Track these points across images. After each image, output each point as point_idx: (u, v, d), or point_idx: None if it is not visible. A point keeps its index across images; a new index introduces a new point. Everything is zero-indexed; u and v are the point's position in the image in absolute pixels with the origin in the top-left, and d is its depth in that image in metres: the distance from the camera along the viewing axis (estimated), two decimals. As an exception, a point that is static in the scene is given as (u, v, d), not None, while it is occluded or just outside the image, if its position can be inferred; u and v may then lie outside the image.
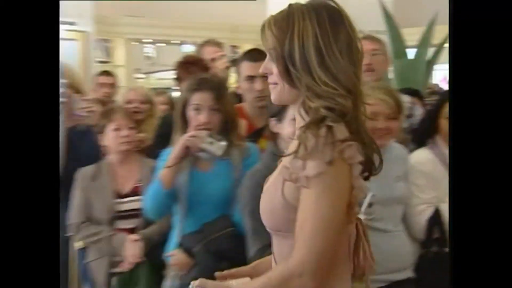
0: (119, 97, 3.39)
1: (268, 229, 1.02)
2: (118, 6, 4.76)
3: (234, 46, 5.22)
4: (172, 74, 2.87)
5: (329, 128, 0.88)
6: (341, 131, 0.89)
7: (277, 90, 0.98)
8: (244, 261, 1.44)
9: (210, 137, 1.64)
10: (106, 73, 3.48)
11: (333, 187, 0.90)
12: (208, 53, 2.57)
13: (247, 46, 5.88)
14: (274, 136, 1.49)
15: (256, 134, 1.83)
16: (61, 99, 2.43)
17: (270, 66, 0.99)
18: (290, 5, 0.98)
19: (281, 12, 0.98)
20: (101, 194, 2.05)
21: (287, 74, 0.95)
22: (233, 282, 1.08)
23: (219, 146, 1.64)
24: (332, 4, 0.98)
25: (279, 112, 1.45)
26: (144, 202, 1.81)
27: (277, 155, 1.22)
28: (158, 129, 2.27)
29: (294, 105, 1.00)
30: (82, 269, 2.18)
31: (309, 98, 0.93)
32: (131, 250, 1.96)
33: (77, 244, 2.17)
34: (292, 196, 0.93)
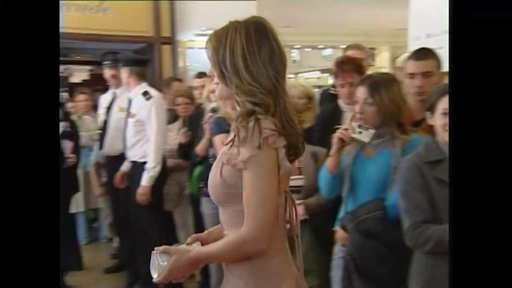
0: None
1: (213, 201, 1.20)
2: (276, 17, 5.60)
3: (371, 48, 5.68)
4: (315, 74, 3.18)
5: (257, 120, 1.07)
6: (266, 123, 1.08)
7: (218, 89, 1.19)
8: (389, 241, 1.69)
9: (359, 127, 1.83)
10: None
11: (265, 167, 1.08)
12: (342, 56, 2.72)
13: (384, 48, 6.34)
14: (430, 128, 1.60)
15: (415, 125, 1.93)
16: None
17: (212, 70, 1.19)
18: (229, 21, 1.18)
19: (222, 27, 1.18)
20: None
21: (222, 76, 1.16)
22: (195, 244, 1.22)
23: (367, 134, 1.82)
24: (262, 21, 1.17)
25: (431, 106, 1.57)
26: (319, 183, 2.02)
27: (432, 145, 1.53)
28: (316, 120, 2.44)
29: (231, 100, 1.19)
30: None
31: (237, 94, 1.13)
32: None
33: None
34: (228, 176, 1.12)
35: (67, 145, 3.24)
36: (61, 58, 6.24)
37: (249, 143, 1.07)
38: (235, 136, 1.10)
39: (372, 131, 1.81)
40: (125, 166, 3.22)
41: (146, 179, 2.96)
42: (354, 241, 1.79)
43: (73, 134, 3.41)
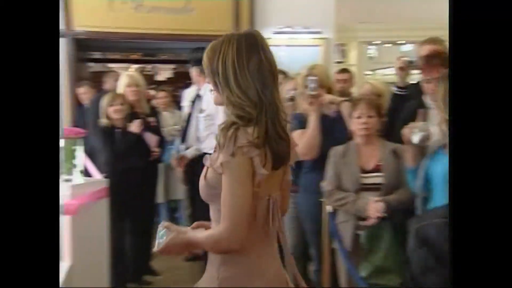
0: (355, 90, 3.90)
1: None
2: (354, 12, 5.46)
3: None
4: (391, 71, 3.09)
5: (236, 130, 1.15)
6: (244, 133, 1.15)
7: (214, 96, 1.27)
8: (442, 251, 1.53)
9: (417, 128, 1.90)
10: (344, 70, 3.96)
11: (238, 172, 1.16)
12: (425, 50, 2.66)
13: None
14: None
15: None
16: (290, 93, 2.73)
17: (209, 78, 1.27)
18: (225, 34, 1.27)
19: (218, 39, 1.27)
20: (349, 169, 2.32)
21: (215, 85, 1.24)
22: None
23: (418, 135, 1.87)
24: (254, 33, 1.26)
25: None
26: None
27: None
28: (398, 116, 2.47)
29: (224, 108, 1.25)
30: (332, 228, 2.44)
31: (227, 105, 1.22)
32: (374, 207, 2.17)
33: (328, 208, 2.46)
34: (211, 178, 1.22)
35: (153, 139, 3.43)
36: (148, 58, 6.63)
37: (225, 150, 1.15)
38: (218, 142, 1.18)
39: (422, 133, 1.83)
40: (189, 152, 3.41)
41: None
42: (409, 246, 1.73)
43: (158, 129, 3.59)
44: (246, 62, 1.20)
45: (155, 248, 1.26)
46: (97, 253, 2.39)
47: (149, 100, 3.97)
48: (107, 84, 4.01)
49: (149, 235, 3.46)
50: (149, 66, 7.48)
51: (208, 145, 3.20)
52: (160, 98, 4.52)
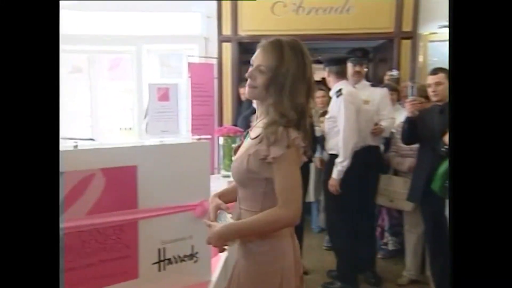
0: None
1: (236, 183, 1.47)
2: None
3: None
4: None
5: (284, 127, 1.33)
6: (291, 130, 1.34)
7: (254, 92, 1.41)
8: None
9: None
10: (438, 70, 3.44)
11: (293, 161, 1.35)
12: None
13: None
14: None
15: None
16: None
17: (255, 74, 1.39)
18: (279, 39, 1.39)
19: (273, 42, 1.38)
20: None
21: (266, 87, 1.37)
22: (226, 215, 1.50)
23: None
24: (299, 42, 1.40)
25: None
26: None
27: None
28: None
29: (260, 103, 1.43)
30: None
31: (271, 105, 1.37)
32: None
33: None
34: (253, 165, 1.38)
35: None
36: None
37: (280, 144, 1.33)
38: (264, 137, 1.35)
39: None
40: (325, 154, 3.61)
41: (335, 172, 3.17)
42: None
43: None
44: (302, 74, 1.37)
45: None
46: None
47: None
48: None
49: (299, 233, 3.53)
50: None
51: (330, 146, 3.32)
52: (317, 97, 4.56)
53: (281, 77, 1.35)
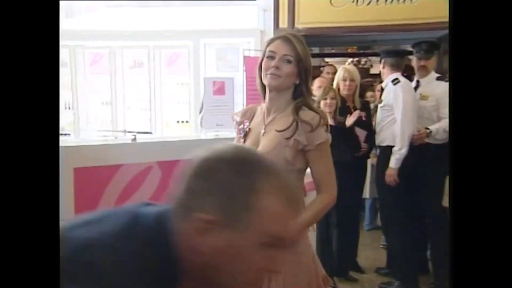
0: None
1: None
2: None
3: None
4: None
5: (320, 116, 1.45)
6: (321, 117, 1.47)
7: (279, 81, 1.47)
8: None
9: None
10: None
11: (328, 147, 1.48)
12: None
13: None
14: None
15: None
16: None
17: (281, 64, 1.46)
18: (295, 34, 1.54)
19: (295, 35, 1.51)
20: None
21: (294, 76, 1.48)
22: None
23: None
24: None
25: None
26: None
27: None
28: None
29: (278, 95, 1.50)
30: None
31: (304, 97, 1.50)
32: None
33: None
34: (292, 156, 1.44)
35: (362, 134, 3.38)
36: (363, 51, 6.62)
37: (321, 130, 1.44)
38: (297, 127, 1.44)
39: None
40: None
41: (392, 162, 3.10)
42: None
43: (368, 124, 3.52)
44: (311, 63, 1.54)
45: None
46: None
47: (362, 93, 3.95)
48: (322, 79, 4.14)
49: (354, 230, 3.46)
50: (364, 59, 7.41)
51: (383, 137, 3.24)
52: (377, 91, 4.43)
53: (308, 66, 1.48)
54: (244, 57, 4.79)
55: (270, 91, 1.51)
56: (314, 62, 6.91)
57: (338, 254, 3.45)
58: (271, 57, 1.47)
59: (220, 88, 3.64)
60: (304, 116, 1.44)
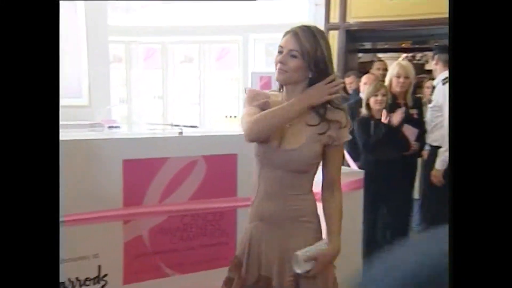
0: None
1: (287, 171, 1.47)
2: None
3: None
4: None
5: (346, 113, 1.50)
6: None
7: (285, 76, 1.46)
8: None
9: None
10: None
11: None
12: None
13: None
14: None
15: None
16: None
17: (286, 60, 1.44)
18: (309, 26, 1.49)
19: (304, 29, 1.47)
20: None
21: (302, 70, 1.45)
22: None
23: None
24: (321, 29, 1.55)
25: None
26: None
27: None
28: None
29: (298, 85, 1.48)
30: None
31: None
32: None
33: None
34: (317, 152, 1.47)
35: (412, 132, 3.25)
36: (418, 46, 6.37)
37: (346, 128, 1.48)
38: (330, 122, 1.45)
39: None
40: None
41: (438, 163, 3.07)
42: None
43: (420, 121, 3.38)
44: (329, 57, 1.48)
45: (304, 269, 1.42)
46: (351, 244, 2.39)
47: (415, 91, 3.80)
48: (370, 75, 4.02)
49: (403, 229, 3.36)
50: (419, 55, 7.11)
51: (434, 137, 3.18)
52: (427, 87, 4.24)
53: (320, 58, 1.44)
54: (293, 52, 4.74)
55: (284, 85, 1.53)
56: (366, 57, 6.75)
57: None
58: (280, 52, 1.48)
59: (267, 82, 3.63)
60: (332, 116, 1.47)
